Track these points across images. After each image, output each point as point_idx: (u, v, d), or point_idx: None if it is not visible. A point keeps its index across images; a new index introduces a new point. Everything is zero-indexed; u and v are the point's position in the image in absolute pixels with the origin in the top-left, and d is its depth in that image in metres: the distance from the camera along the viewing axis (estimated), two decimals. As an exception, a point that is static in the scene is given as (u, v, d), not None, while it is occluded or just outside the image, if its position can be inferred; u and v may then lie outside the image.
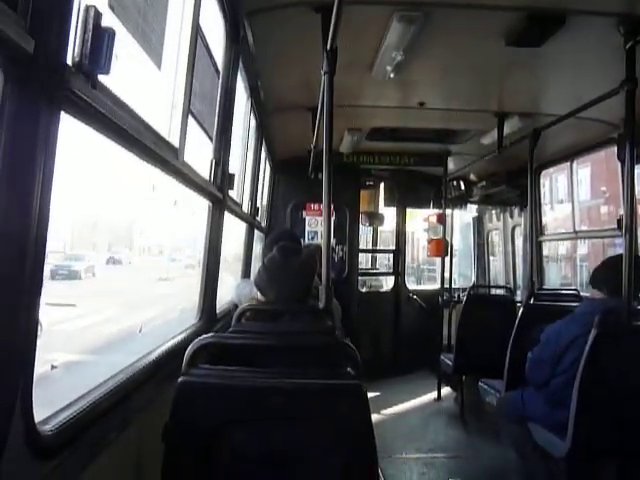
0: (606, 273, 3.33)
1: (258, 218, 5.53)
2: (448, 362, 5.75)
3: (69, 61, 1.20)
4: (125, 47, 1.48)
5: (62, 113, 1.18)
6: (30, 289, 1.13)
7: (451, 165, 6.70)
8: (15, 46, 0.99)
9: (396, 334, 7.55)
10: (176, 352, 2.28)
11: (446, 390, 6.34)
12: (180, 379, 1.72)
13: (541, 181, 6.54)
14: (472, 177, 7.46)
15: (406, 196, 7.80)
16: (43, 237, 1.14)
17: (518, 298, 6.43)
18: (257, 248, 5.35)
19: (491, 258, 8.48)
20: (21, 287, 1.10)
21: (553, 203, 17.84)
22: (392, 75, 3.71)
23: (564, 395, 3.08)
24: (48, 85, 1.10)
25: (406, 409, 5.93)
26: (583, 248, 19.41)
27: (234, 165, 3.89)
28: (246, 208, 4.75)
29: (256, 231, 5.40)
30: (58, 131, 1.16)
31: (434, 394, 6.31)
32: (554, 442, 3.15)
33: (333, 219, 6.82)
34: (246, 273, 4.91)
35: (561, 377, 3.20)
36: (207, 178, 2.92)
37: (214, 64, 2.84)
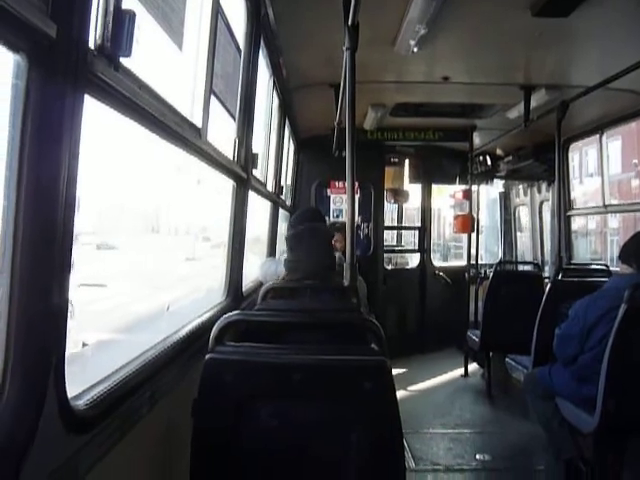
0: (636, 247, 3.27)
1: (282, 197, 5.54)
2: (475, 338, 5.74)
3: (91, 44, 1.22)
4: (146, 29, 1.49)
5: (86, 96, 1.20)
6: (60, 268, 1.16)
7: (477, 140, 6.60)
8: (38, 31, 1.00)
9: (423, 311, 7.55)
10: (203, 330, 2.32)
11: (473, 366, 6.34)
12: (207, 356, 1.75)
13: (570, 155, 6.40)
14: (498, 152, 7.35)
15: (431, 172, 7.73)
16: (71, 217, 1.17)
17: (546, 274, 6.36)
18: (282, 227, 5.37)
19: (518, 234, 8.38)
20: (51, 266, 1.13)
21: (583, 177, 17.49)
22: (415, 49, 3.65)
23: (592, 371, 3.05)
24: (71, 68, 1.12)
25: (433, 385, 5.96)
26: (614, 222, 19.04)
27: (258, 144, 3.90)
28: (270, 187, 4.76)
29: (281, 210, 5.42)
30: (82, 113, 1.18)
31: (461, 370, 6.32)
32: (582, 418, 3.13)
33: (358, 197, 6.80)
34: (271, 252, 4.94)
35: (589, 353, 3.17)
36: (231, 158, 2.93)
37: (235, 43, 2.83)
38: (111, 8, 1.24)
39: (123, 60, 1.33)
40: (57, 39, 1.04)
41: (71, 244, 1.19)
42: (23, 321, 1.06)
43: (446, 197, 8.74)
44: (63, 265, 1.17)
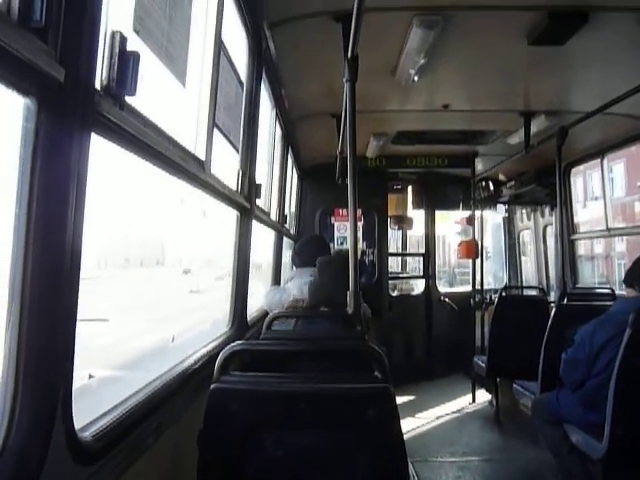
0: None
1: (287, 225, 5.58)
2: (482, 364, 5.69)
3: (97, 85, 1.27)
4: (150, 67, 1.54)
5: (92, 135, 1.24)
6: (68, 300, 1.19)
7: (479, 166, 6.65)
8: (47, 76, 1.05)
9: (429, 337, 7.52)
10: (209, 359, 2.33)
11: (480, 393, 6.28)
12: (212, 386, 1.76)
13: (573, 179, 6.44)
14: (501, 177, 7.39)
15: (434, 199, 7.77)
16: (78, 252, 1.21)
17: (552, 298, 6.33)
18: (286, 255, 5.39)
19: (523, 258, 8.37)
20: (59, 299, 1.16)
21: (588, 201, 17.49)
22: (416, 79, 3.72)
23: (600, 396, 3.03)
24: (79, 109, 1.16)
25: (440, 412, 5.89)
26: (621, 246, 18.99)
27: (261, 174, 3.95)
28: (274, 216, 4.80)
29: (285, 238, 5.46)
30: (89, 152, 1.22)
31: (468, 397, 6.26)
32: (591, 443, 3.10)
33: (361, 224, 6.84)
34: (276, 280, 4.95)
35: (597, 378, 3.15)
36: (234, 189, 2.98)
37: (238, 76, 2.90)
38: (116, 50, 1.30)
39: (128, 99, 1.38)
40: (65, 82, 1.09)
41: (78, 276, 1.22)
42: (32, 354, 1.09)
43: (451, 223, 8.75)
44: (71, 300, 1.20)
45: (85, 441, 1.28)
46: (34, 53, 0.99)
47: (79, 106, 1.16)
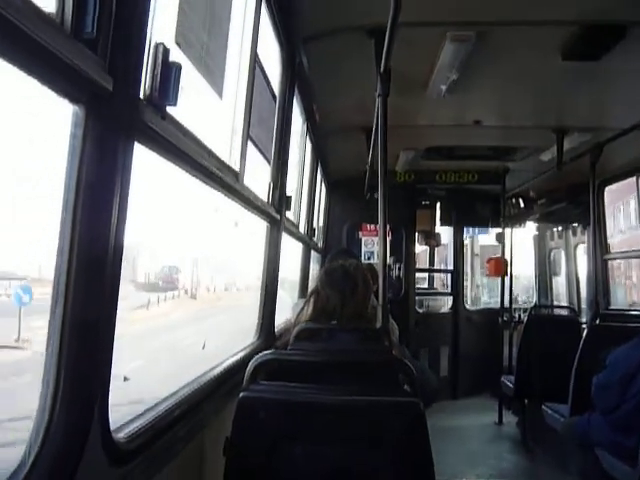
0: None
1: (314, 239, 5.59)
2: (509, 384, 5.59)
3: (141, 95, 1.30)
4: (189, 79, 1.58)
5: (135, 143, 1.28)
6: (108, 305, 1.22)
7: (509, 183, 6.58)
8: (97, 85, 1.09)
9: (455, 355, 7.41)
10: (236, 369, 2.34)
11: (508, 414, 6.15)
12: (241, 394, 1.77)
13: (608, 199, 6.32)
14: (531, 194, 7.29)
15: (463, 215, 7.70)
16: (119, 264, 1.24)
17: (583, 319, 6.20)
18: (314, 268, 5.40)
19: (553, 277, 8.22)
20: (99, 303, 1.19)
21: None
22: (447, 94, 3.72)
23: (634, 421, 2.96)
24: (125, 118, 1.20)
25: (466, 433, 5.79)
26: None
27: (290, 186, 3.97)
28: (302, 229, 4.82)
29: (313, 252, 5.47)
30: (132, 159, 1.26)
31: (495, 417, 6.14)
32: (624, 470, 3.02)
33: (389, 239, 6.81)
34: (303, 293, 4.96)
35: (630, 402, 3.08)
36: (265, 200, 3.01)
37: (271, 90, 2.94)
38: (159, 61, 1.33)
39: (169, 109, 1.42)
40: (113, 91, 1.13)
41: (118, 281, 1.25)
42: (72, 357, 1.12)
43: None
44: (111, 301, 1.23)
45: (119, 442, 1.30)
46: (85, 63, 1.03)
47: (125, 115, 1.20)
